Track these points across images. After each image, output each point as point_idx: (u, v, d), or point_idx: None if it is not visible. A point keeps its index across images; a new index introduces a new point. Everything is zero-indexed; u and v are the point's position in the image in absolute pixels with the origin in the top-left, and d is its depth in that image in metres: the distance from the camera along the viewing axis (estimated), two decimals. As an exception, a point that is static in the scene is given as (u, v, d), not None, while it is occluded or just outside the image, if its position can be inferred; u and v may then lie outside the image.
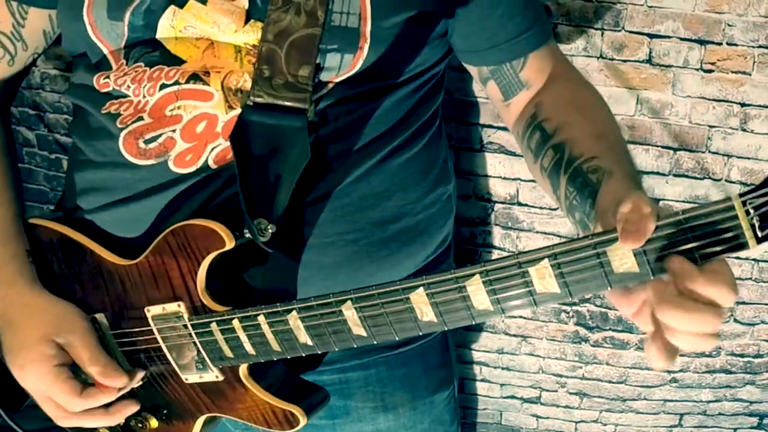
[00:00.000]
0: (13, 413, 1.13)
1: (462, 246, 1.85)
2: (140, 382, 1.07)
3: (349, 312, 0.87)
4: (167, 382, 1.07)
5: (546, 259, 0.75)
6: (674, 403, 2.00)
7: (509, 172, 1.75)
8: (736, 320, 1.85)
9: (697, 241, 0.70)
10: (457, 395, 1.32)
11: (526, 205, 1.78)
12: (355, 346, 0.90)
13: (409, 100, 1.09)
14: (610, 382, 1.97)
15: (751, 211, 0.67)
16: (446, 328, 0.84)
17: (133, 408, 1.07)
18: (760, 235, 0.68)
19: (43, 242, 1.09)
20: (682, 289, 0.70)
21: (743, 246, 0.69)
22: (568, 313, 1.89)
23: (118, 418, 1.06)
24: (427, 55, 1.08)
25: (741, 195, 0.67)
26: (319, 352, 0.94)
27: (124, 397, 1.06)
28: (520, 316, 1.92)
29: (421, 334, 0.86)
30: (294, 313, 0.91)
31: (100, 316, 1.05)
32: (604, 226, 0.79)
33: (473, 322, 0.82)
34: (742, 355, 1.90)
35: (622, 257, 0.72)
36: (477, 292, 0.79)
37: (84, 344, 1.02)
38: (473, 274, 0.79)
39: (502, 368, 2.01)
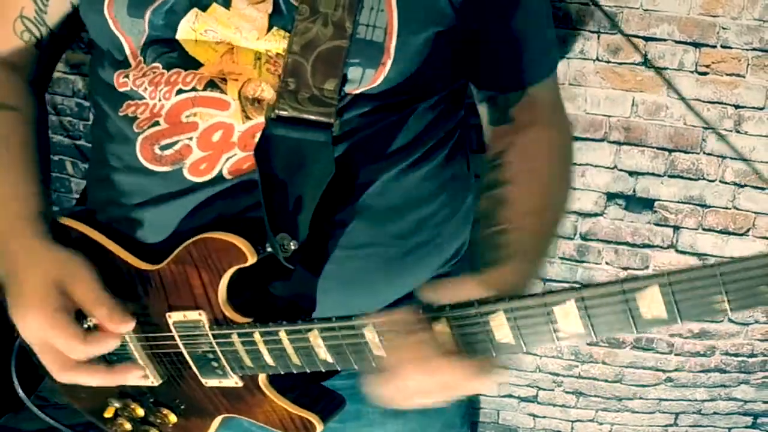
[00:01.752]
0: (16, 413, 1.13)
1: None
2: (161, 380, 1.07)
3: (371, 335, 0.87)
4: (187, 383, 1.07)
5: (572, 301, 0.74)
6: (669, 403, 2.02)
7: (507, 173, 1.77)
8: (730, 320, 1.86)
9: (729, 294, 0.68)
10: (466, 398, 1.32)
11: (523, 205, 1.79)
12: (375, 365, 0.89)
13: (430, 114, 1.08)
14: (606, 381, 1.99)
15: None
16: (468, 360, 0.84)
17: (136, 371, 1.04)
18: None
19: (67, 242, 1.06)
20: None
21: None
22: (564, 312, 1.90)
23: (119, 379, 1.03)
24: (448, 70, 1.06)
25: None
26: (339, 369, 0.93)
27: (128, 359, 1.05)
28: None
29: None
30: (315, 332, 0.90)
31: None
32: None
33: (494, 355, 0.81)
34: (736, 355, 1.92)
35: (652, 302, 0.71)
36: (500, 327, 0.79)
37: (87, 287, 0.97)
38: (496, 310, 0.78)
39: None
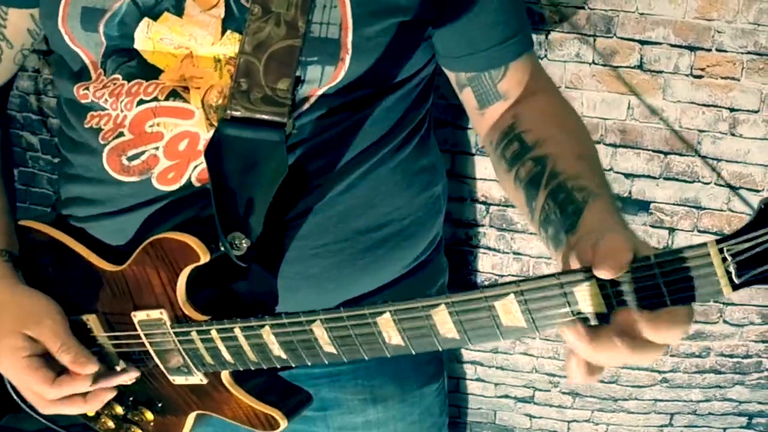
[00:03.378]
0: (16, 413, 1.15)
1: (458, 248, 1.87)
2: (133, 380, 1.09)
3: (320, 331, 0.89)
4: (158, 381, 1.09)
5: (512, 295, 0.75)
6: (665, 403, 2.03)
7: (503, 175, 1.77)
8: (725, 321, 1.88)
9: (668, 286, 0.69)
10: (446, 387, 1.33)
11: (520, 207, 1.80)
12: (326, 362, 0.92)
13: (397, 107, 1.07)
14: (602, 381, 2.00)
15: (728, 258, 0.66)
16: (413, 353, 0.85)
17: (109, 395, 1.08)
18: (736, 282, 0.66)
19: (34, 244, 1.10)
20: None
21: (718, 293, 0.67)
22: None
23: (95, 405, 1.08)
24: (412, 60, 1.05)
25: (718, 242, 0.66)
26: (293, 366, 0.95)
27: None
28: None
29: (389, 356, 0.86)
30: (267, 328, 0.92)
31: (93, 318, 1.07)
32: (581, 250, 0.76)
33: (440, 349, 0.83)
34: (731, 356, 1.93)
35: (589, 295, 0.72)
36: (444, 322, 0.80)
37: (53, 334, 1.02)
38: (438, 304, 0.79)
39: (496, 367, 2.04)
